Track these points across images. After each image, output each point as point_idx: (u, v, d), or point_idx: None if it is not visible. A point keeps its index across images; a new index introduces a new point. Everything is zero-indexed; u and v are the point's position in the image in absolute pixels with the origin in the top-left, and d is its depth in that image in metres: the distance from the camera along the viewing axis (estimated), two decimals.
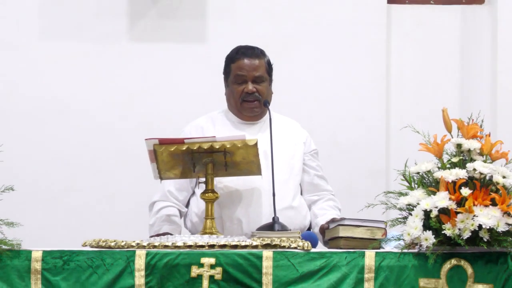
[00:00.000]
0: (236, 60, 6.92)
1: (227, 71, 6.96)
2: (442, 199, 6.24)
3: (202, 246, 6.19)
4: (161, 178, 6.67)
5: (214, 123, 7.02)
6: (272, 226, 6.60)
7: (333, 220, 6.68)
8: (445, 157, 6.49)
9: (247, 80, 6.87)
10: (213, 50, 7.71)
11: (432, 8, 8.49)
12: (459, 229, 6.19)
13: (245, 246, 6.24)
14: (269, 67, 7.00)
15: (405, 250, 6.33)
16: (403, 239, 6.34)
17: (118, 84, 8.15)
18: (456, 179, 6.26)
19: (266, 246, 6.28)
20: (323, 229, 6.70)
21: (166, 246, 6.22)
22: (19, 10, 8.11)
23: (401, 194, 6.49)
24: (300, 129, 7.12)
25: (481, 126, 6.56)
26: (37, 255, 6.18)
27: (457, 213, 6.19)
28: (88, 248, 6.31)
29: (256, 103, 6.91)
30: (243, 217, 6.94)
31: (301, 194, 7.11)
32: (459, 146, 6.48)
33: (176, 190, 6.96)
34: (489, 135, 6.51)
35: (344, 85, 8.20)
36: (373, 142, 8.17)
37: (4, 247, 6.14)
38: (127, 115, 7.95)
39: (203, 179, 6.60)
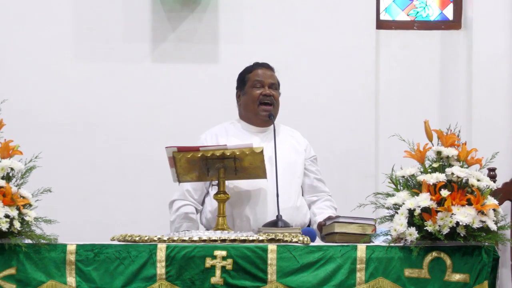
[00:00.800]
0: (254, 70, 7.01)
1: (243, 82, 7.01)
2: (424, 200, 6.28)
3: (215, 241, 6.24)
4: (180, 181, 6.73)
5: (227, 132, 7.06)
6: (276, 223, 6.66)
7: (329, 218, 6.71)
8: (427, 163, 6.53)
9: (264, 85, 6.92)
10: (224, 70, 7.71)
11: (415, 33, 8.48)
12: (439, 226, 6.23)
13: (253, 241, 6.29)
14: (278, 83, 7.08)
15: (392, 244, 6.37)
16: (390, 234, 6.39)
17: (141, 100, 8.15)
18: (437, 182, 6.31)
19: (271, 240, 6.32)
20: (320, 226, 6.74)
21: (183, 241, 6.26)
22: (56, 35, 8.11)
23: (388, 195, 6.54)
24: (302, 138, 7.16)
25: (458, 136, 6.59)
26: (71, 248, 6.21)
27: (437, 211, 6.23)
28: (115, 242, 6.36)
29: (271, 107, 6.93)
30: (250, 215, 6.96)
31: (302, 195, 7.11)
32: (439, 153, 6.52)
33: (193, 190, 6.99)
34: (465, 144, 6.55)
35: (338, 101, 8.20)
36: (364, 150, 8.15)
37: (43, 241, 6.17)
38: (149, 126, 7.96)
39: (216, 182, 6.63)
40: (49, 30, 8.12)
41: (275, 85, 6.97)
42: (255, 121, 7.00)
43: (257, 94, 6.89)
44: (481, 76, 8.31)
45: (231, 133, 7.04)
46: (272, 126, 6.91)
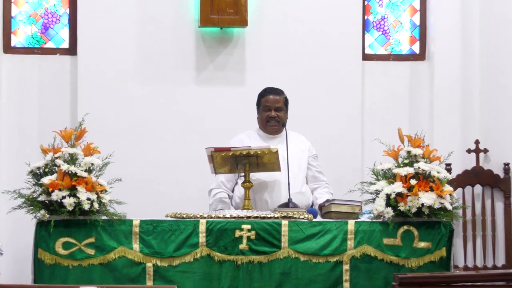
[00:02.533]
0: (265, 95, 7.03)
1: (259, 103, 7.08)
2: (398, 187, 6.35)
3: (242, 217, 6.40)
4: (216, 173, 6.84)
5: (250, 137, 7.12)
6: (287, 204, 6.70)
7: (327, 200, 6.77)
8: (400, 160, 6.59)
9: (271, 109, 6.94)
10: (248, 91, 7.64)
11: (391, 63, 8.43)
12: (409, 206, 6.30)
13: (270, 218, 6.43)
14: (286, 101, 7.05)
15: (374, 220, 6.49)
16: (373, 213, 6.47)
17: (187, 113, 8.10)
18: (407, 173, 6.39)
19: (284, 217, 6.44)
20: (321, 207, 6.80)
21: (219, 217, 6.40)
22: (124, 63, 8.12)
23: (371, 183, 6.65)
24: (306, 140, 7.21)
25: (422, 140, 6.65)
26: (136, 222, 6.31)
27: (407, 196, 6.32)
28: (169, 218, 6.47)
29: (276, 124, 6.96)
30: (268, 198, 7.01)
31: (307, 183, 7.11)
32: (408, 152, 6.60)
33: (226, 181, 7.05)
34: (428, 145, 6.61)
35: (334, 113, 8.18)
36: (353, 150, 8.14)
37: (115, 217, 6.25)
38: (193, 133, 7.93)
39: (243, 174, 6.73)
40: (119, 59, 8.09)
41: (281, 107, 7.02)
42: (266, 132, 7.09)
43: (265, 116, 7.02)
44: (440, 96, 8.25)
45: (252, 138, 7.09)
46: (282, 132, 6.99)
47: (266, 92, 7.10)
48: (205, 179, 7.18)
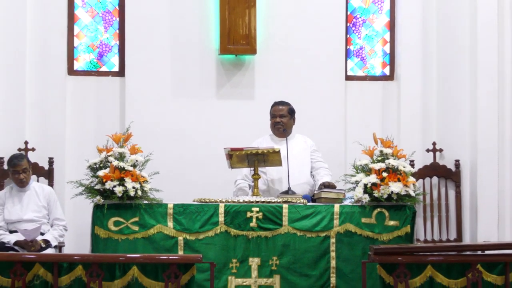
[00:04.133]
0: (273, 106, 7.12)
1: (270, 112, 7.10)
2: (373, 178, 6.36)
3: (252, 202, 6.39)
4: (232, 168, 6.84)
5: (265, 140, 7.20)
6: (287, 192, 6.70)
7: (323, 184, 6.76)
8: (374, 157, 6.57)
9: (276, 116, 7.01)
10: (257, 104, 7.64)
11: (368, 83, 8.37)
12: (381, 193, 6.31)
13: (274, 202, 6.42)
14: (290, 111, 7.08)
15: (354, 204, 6.45)
16: (353, 198, 6.47)
17: (210, 121, 8.05)
18: (380, 168, 6.38)
19: (285, 202, 6.46)
20: (322, 185, 6.78)
21: (234, 202, 6.39)
22: (160, 82, 8.07)
23: (352, 176, 6.63)
24: (308, 140, 7.28)
25: (392, 141, 6.64)
26: (170, 206, 6.34)
27: (380, 185, 6.28)
28: (196, 202, 6.47)
29: (281, 127, 7.00)
30: (273, 188, 7.00)
31: (311, 172, 7.12)
32: (381, 151, 6.60)
33: (249, 173, 7.05)
34: (396, 146, 6.60)
35: (323, 122, 8.11)
36: (338, 150, 8.07)
37: (154, 202, 6.24)
38: (215, 136, 7.86)
39: (253, 168, 6.73)
40: (157, 79, 8.06)
41: (284, 114, 7.07)
42: (276, 135, 7.08)
43: (273, 122, 7.09)
44: (405, 108, 8.21)
45: (266, 141, 7.16)
46: (290, 135, 7.09)
47: (274, 104, 7.20)
48: (223, 172, 7.10)
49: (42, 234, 6.98)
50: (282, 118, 7.06)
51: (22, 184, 7.01)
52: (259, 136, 7.27)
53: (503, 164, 7.94)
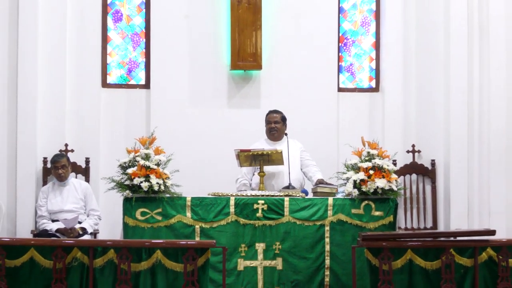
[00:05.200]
0: (268, 114, 7.11)
1: (266, 119, 7.06)
2: (361, 175, 6.34)
3: (258, 195, 6.37)
4: (241, 166, 6.86)
5: (261, 144, 7.04)
6: (288, 187, 6.69)
7: (319, 181, 6.70)
8: (362, 157, 6.57)
9: (271, 123, 6.98)
10: (262, 112, 7.50)
11: (357, 94, 8.33)
12: (369, 188, 6.29)
13: (277, 196, 6.39)
14: (282, 118, 7.03)
15: (345, 197, 6.43)
16: (344, 192, 6.44)
17: (222, 126, 8.02)
18: (367, 166, 6.36)
19: (286, 195, 6.42)
20: (318, 181, 6.70)
21: (242, 195, 6.39)
22: (178, 94, 8.05)
23: (343, 173, 6.61)
24: (298, 143, 7.18)
25: (377, 144, 6.62)
26: (188, 199, 6.32)
27: (367, 181, 6.27)
28: (210, 196, 6.46)
29: (275, 132, 6.94)
30: (275, 183, 6.96)
31: (301, 169, 7.03)
32: (368, 152, 6.59)
33: (247, 172, 7.04)
34: (381, 148, 6.59)
35: (319, 127, 8.08)
36: (331, 151, 8.03)
37: (175, 195, 6.23)
38: (226, 139, 7.77)
39: (258, 167, 6.71)
40: (177, 91, 8.04)
41: (278, 121, 7.04)
42: (270, 139, 7.04)
43: (268, 128, 7.05)
44: (389, 115, 8.19)
45: (262, 143, 7.07)
46: (282, 138, 7.00)
47: (269, 112, 7.17)
48: (233, 170, 7.09)
49: (79, 222, 7.01)
50: (276, 124, 7.05)
51: (61, 178, 7.08)
52: (255, 141, 7.21)
53: (472, 163, 7.93)
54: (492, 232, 5.73)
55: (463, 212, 7.86)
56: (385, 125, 8.22)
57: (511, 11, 7.93)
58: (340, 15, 8.41)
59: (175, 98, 8.06)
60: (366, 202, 6.34)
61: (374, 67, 8.46)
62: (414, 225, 8.05)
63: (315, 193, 6.59)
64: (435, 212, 8.02)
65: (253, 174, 6.97)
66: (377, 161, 6.37)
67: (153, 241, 5.61)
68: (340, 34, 8.43)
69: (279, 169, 6.86)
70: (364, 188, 6.29)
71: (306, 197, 6.46)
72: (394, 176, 6.38)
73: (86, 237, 6.89)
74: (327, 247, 6.32)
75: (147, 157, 6.31)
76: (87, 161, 7.81)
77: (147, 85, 8.15)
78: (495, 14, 7.87)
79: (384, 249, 5.45)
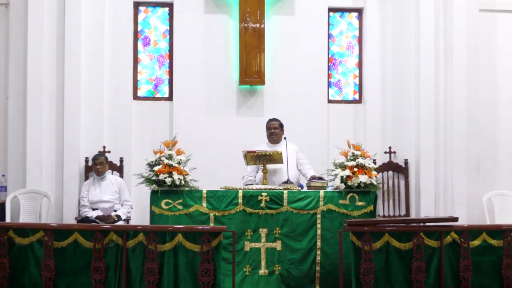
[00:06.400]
0: (268, 122, 7.07)
1: (266, 126, 7.01)
2: (348, 172, 6.30)
3: (262, 189, 6.30)
4: (248, 165, 6.81)
5: (263, 146, 7.02)
6: (287, 182, 6.64)
7: (312, 177, 6.65)
8: (348, 157, 6.52)
9: (271, 129, 6.92)
10: (265, 120, 7.57)
11: (343, 105, 8.28)
12: (353, 183, 6.25)
13: (277, 189, 6.35)
14: (281, 124, 6.98)
15: (334, 190, 6.39)
16: (333, 186, 6.40)
17: (232, 132, 7.98)
18: (352, 165, 6.32)
19: (285, 189, 6.37)
20: (311, 177, 6.64)
21: (249, 189, 6.32)
22: (195, 104, 8.02)
23: (332, 170, 6.56)
24: (294, 145, 7.08)
25: (360, 146, 6.59)
26: (204, 191, 6.30)
27: (352, 177, 6.23)
28: (222, 189, 6.40)
29: (274, 137, 6.89)
30: (276, 179, 6.92)
31: (297, 167, 7.01)
32: (353, 153, 6.55)
33: (252, 170, 6.99)
34: (364, 149, 6.57)
35: (312, 133, 8.05)
36: (322, 152, 8.00)
37: (193, 189, 6.20)
38: (235, 142, 7.70)
39: (262, 165, 6.67)
40: (194, 102, 8.02)
41: (276, 127, 7.00)
42: (270, 142, 7.01)
43: (268, 133, 7.00)
44: (370, 123, 8.17)
45: (263, 145, 7.05)
46: (281, 142, 6.96)
47: (269, 120, 7.16)
48: (241, 168, 7.08)
49: (115, 211, 7.01)
50: (275, 130, 7.03)
51: (98, 173, 7.11)
52: (259, 144, 7.20)
53: (438, 162, 7.91)
54: (455, 219, 5.71)
55: (431, 202, 7.83)
56: (367, 131, 8.20)
57: (470, 41, 7.93)
58: (329, 40, 8.40)
59: (193, 108, 8.05)
60: (351, 194, 6.31)
61: (357, 82, 8.45)
62: (391, 213, 8.04)
63: (309, 187, 6.57)
64: (408, 202, 8.00)
65: (257, 171, 6.95)
66: (360, 160, 6.35)
67: (175, 226, 5.61)
68: (330, 56, 8.42)
69: (279, 167, 6.84)
70: (349, 183, 6.27)
71: (302, 190, 6.44)
72: (374, 172, 6.36)
73: (120, 223, 6.89)
74: (319, 232, 6.30)
75: (170, 157, 6.31)
76: (121, 160, 7.81)
77: (170, 98, 8.15)
78: (457, 43, 7.86)
79: (365, 233, 5.44)
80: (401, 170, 8.06)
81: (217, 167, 7.87)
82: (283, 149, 6.78)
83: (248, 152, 6.64)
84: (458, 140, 7.89)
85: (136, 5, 8.15)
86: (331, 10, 8.36)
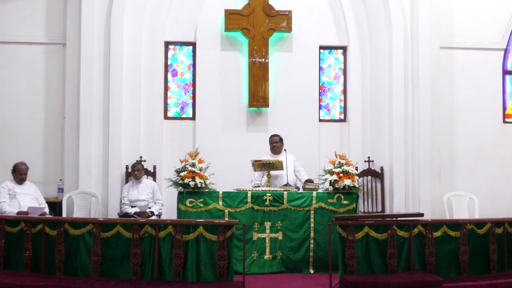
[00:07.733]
0: (271, 137, 6.97)
1: (269, 140, 6.93)
2: (335, 177, 6.25)
3: (266, 190, 6.21)
4: (255, 171, 6.71)
5: (267, 156, 6.94)
6: (286, 185, 6.58)
7: (306, 180, 6.59)
8: (335, 164, 6.47)
9: (273, 143, 6.83)
10: (268, 136, 7.56)
11: (331, 123, 8.21)
12: (339, 185, 6.20)
13: (279, 190, 6.28)
14: (281, 139, 6.91)
15: (324, 191, 6.34)
16: (323, 188, 6.35)
17: (243, 145, 7.94)
18: (339, 171, 6.27)
19: (285, 190, 6.30)
20: (305, 182, 6.57)
21: (256, 190, 6.25)
22: (213, 121, 7.99)
23: (323, 175, 6.52)
24: (293, 156, 7.01)
25: (345, 156, 6.55)
26: (220, 192, 6.24)
27: (339, 181, 6.19)
28: (235, 191, 6.34)
29: (276, 149, 6.79)
30: (277, 182, 6.85)
31: (294, 173, 6.95)
32: (339, 162, 6.50)
33: (259, 175, 6.89)
34: (348, 159, 6.50)
35: (306, 146, 7.98)
36: (314, 161, 7.94)
37: (211, 190, 6.15)
38: (245, 153, 7.68)
39: (266, 172, 6.60)
40: (212, 121, 7.99)
41: (277, 141, 6.93)
42: (272, 152, 6.95)
43: (271, 146, 6.94)
44: (352, 137, 8.11)
45: (267, 155, 6.98)
46: (281, 153, 6.90)
47: (271, 136, 7.12)
48: (249, 174, 7.06)
49: (149, 208, 7.00)
50: (276, 143, 7.02)
51: (136, 177, 7.11)
52: (263, 155, 7.17)
53: (407, 169, 7.91)
54: (421, 214, 5.70)
55: (402, 201, 7.81)
56: (350, 144, 8.17)
57: (433, 72, 7.95)
58: (320, 71, 8.42)
59: (211, 126, 8.04)
60: (338, 194, 6.30)
61: (343, 105, 8.44)
62: (369, 210, 8.00)
63: (304, 189, 6.55)
64: (383, 201, 7.97)
65: (263, 176, 6.93)
66: (345, 167, 6.35)
67: (197, 220, 5.61)
68: (320, 84, 8.42)
69: (280, 173, 6.83)
70: (336, 186, 6.26)
71: (298, 191, 6.43)
72: (356, 177, 6.35)
73: (153, 217, 6.89)
74: (312, 225, 6.28)
75: (193, 165, 6.32)
76: (154, 167, 7.82)
77: (193, 118, 8.15)
78: (422, 73, 7.87)
79: (349, 226, 5.43)
80: (378, 175, 8.04)
81: (230, 173, 7.83)
82: (283, 159, 6.78)
83: (256, 161, 6.65)
84: (423, 151, 7.89)
85: (166, 44, 8.20)
86: (321, 47, 8.39)
